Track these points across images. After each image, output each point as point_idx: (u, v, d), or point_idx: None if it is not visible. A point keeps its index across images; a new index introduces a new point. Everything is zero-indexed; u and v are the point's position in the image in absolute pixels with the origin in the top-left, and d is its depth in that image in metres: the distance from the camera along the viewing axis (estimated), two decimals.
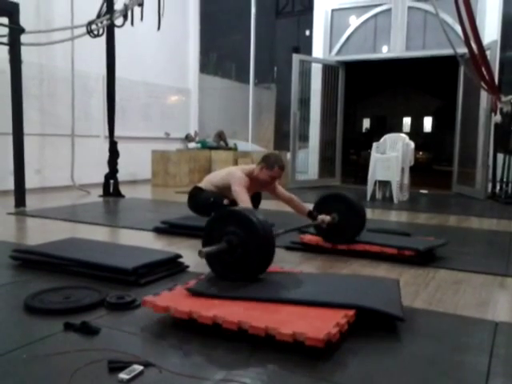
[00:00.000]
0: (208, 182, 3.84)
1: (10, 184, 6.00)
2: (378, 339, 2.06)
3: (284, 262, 3.44)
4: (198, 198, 3.82)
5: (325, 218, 3.59)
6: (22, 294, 2.47)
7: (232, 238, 2.45)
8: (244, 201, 3.36)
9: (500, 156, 7.50)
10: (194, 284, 2.41)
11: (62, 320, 2.13)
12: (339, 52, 9.15)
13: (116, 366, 1.72)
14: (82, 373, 1.69)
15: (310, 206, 4.03)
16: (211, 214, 3.26)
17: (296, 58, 8.63)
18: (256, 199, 3.83)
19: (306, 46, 9.66)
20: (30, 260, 3.13)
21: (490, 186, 7.54)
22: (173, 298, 2.23)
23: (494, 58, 7.07)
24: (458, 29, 6.82)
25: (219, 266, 2.54)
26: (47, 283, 2.68)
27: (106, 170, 7.09)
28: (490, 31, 7.60)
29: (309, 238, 3.81)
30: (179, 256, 3.10)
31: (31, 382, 1.67)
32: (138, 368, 1.71)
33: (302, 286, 2.53)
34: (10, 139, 5.80)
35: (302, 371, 1.76)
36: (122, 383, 1.63)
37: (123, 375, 1.66)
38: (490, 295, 2.78)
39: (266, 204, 5.38)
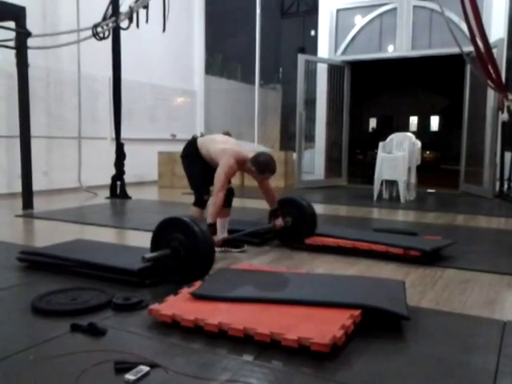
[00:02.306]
0: (205, 145, 3.57)
1: (17, 186, 6.04)
2: (384, 339, 2.05)
3: (290, 262, 3.44)
4: (191, 164, 3.62)
5: (279, 223, 3.70)
6: (29, 295, 2.48)
7: (176, 245, 2.67)
8: (217, 201, 3.30)
9: (508, 154, 7.44)
10: (199, 287, 2.42)
11: (69, 321, 2.14)
12: (345, 52, 9.12)
13: (122, 367, 1.73)
14: (88, 374, 1.70)
15: (315, 207, 4.02)
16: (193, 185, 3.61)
17: (301, 58, 8.62)
18: (228, 197, 3.66)
19: (311, 46, 9.65)
20: (36, 262, 3.15)
21: (497, 184, 7.49)
22: (178, 305, 2.23)
23: (501, 55, 7.02)
24: (464, 27, 6.77)
25: (165, 269, 2.75)
26: (54, 285, 2.70)
27: (113, 171, 7.12)
28: (497, 29, 7.55)
29: (314, 238, 3.79)
30: None
31: (38, 382, 1.68)
32: (145, 369, 1.71)
33: (307, 287, 2.53)
34: (17, 142, 5.85)
35: (307, 371, 1.75)
36: None
37: (130, 376, 1.66)
38: (498, 294, 2.76)
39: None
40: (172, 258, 2.71)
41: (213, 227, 3.24)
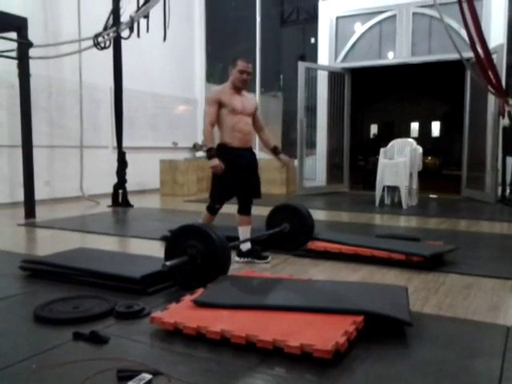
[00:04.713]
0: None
1: (19, 195, 6.06)
2: (387, 345, 2.04)
3: (291, 268, 3.44)
4: (216, 175, 3.48)
5: (285, 157, 3.70)
6: (32, 304, 2.48)
7: (193, 252, 2.71)
8: (205, 131, 3.39)
9: (509, 159, 7.44)
10: (201, 294, 2.41)
11: (72, 329, 2.14)
12: (345, 59, 9.16)
13: (125, 375, 1.72)
14: (91, 382, 1.70)
15: (317, 213, 4.03)
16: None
17: (302, 65, 8.66)
18: (247, 205, 3.67)
19: (311, 53, 9.69)
20: (39, 270, 3.15)
21: (499, 189, 7.48)
22: (180, 313, 2.23)
23: (501, 61, 7.04)
24: (464, 33, 6.80)
25: (180, 276, 2.78)
26: (56, 293, 2.70)
27: (115, 180, 7.14)
28: (496, 35, 7.58)
29: (316, 244, 3.79)
30: None
31: None
32: (147, 377, 1.71)
33: (309, 293, 2.52)
34: (19, 151, 5.87)
35: (310, 377, 1.75)
36: None
37: None
38: (502, 299, 2.75)
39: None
40: (188, 265, 2.73)
41: (209, 151, 3.35)
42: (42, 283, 2.99)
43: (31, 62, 5.81)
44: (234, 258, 3.52)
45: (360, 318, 2.08)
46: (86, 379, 1.71)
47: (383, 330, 2.17)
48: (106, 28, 6.47)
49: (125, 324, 2.28)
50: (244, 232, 3.64)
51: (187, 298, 2.38)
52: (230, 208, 3.83)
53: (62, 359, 1.89)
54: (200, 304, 2.29)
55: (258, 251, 3.63)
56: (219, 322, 2.09)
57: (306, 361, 1.83)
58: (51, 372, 1.80)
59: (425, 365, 1.86)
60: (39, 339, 2.15)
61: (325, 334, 1.93)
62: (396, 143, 7.49)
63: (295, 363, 1.83)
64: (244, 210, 3.64)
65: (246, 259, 3.59)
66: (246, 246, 3.61)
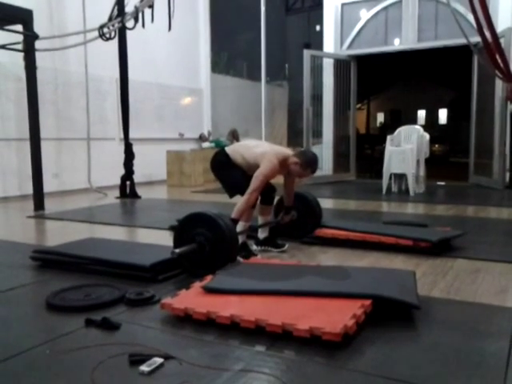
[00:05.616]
0: (238, 153, 3.48)
1: (28, 188, 6.11)
2: (396, 328, 2.06)
3: (300, 255, 3.46)
4: (227, 172, 3.52)
5: (287, 219, 3.76)
6: (44, 292, 2.52)
7: (201, 239, 2.75)
8: (249, 200, 3.19)
9: None
10: (210, 280, 2.44)
11: (83, 317, 2.17)
12: (350, 46, 9.10)
13: (137, 359, 1.75)
14: (103, 366, 1.73)
15: (324, 202, 4.03)
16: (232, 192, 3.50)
17: (307, 53, 8.61)
18: (269, 194, 3.64)
19: (316, 41, 9.66)
20: (49, 260, 3.20)
21: (507, 175, 7.44)
22: (190, 298, 2.25)
23: (509, 45, 6.96)
24: (471, 18, 6.73)
25: (189, 263, 2.82)
26: (67, 282, 2.73)
27: (122, 171, 7.17)
28: (504, 18, 7.48)
29: (324, 231, 3.81)
30: None
31: (55, 375, 1.71)
32: (159, 360, 1.74)
33: (318, 278, 2.54)
34: (27, 144, 5.90)
35: (320, 360, 1.77)
36: (143, 375, 1.66)
37: (144, 367, 1.69)
38: (509, 283, 2.75)
39: None
40: (197, 253, 2.77)
41: (234, 223, 3.07)
42: (52, 272, 3.03)
43: (37, 54, 5.82)
44: (252, 246, 3.56)
45: (368, 302, 2.09)
46: (99, 363, 1.74)
47: (391, 314, 2.18)
48: (110, 19, 6.46)
49: (135, 311, 2.32)
50: (265, 221, 3.64)
51: (197, 285, 2.41)
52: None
53: (75, 345, 1.92)
54: (209, 290, 2.31)
55: (274, 239, 3.64)
56: (229, 307, 2.12)
57: (315, 344, 1.85)
58: (65, 357, 1.83)
59: (433, 347, 1.88)
60: (52, 326, 2.18)
61: (333, 317, 1.95)
62: (403, 130, 7.45)
63: (304, 346, 1.86)
64: (267, 199, 3.60)
65: (263, 247, 3.61)
66: (263, 234, 3.63)
